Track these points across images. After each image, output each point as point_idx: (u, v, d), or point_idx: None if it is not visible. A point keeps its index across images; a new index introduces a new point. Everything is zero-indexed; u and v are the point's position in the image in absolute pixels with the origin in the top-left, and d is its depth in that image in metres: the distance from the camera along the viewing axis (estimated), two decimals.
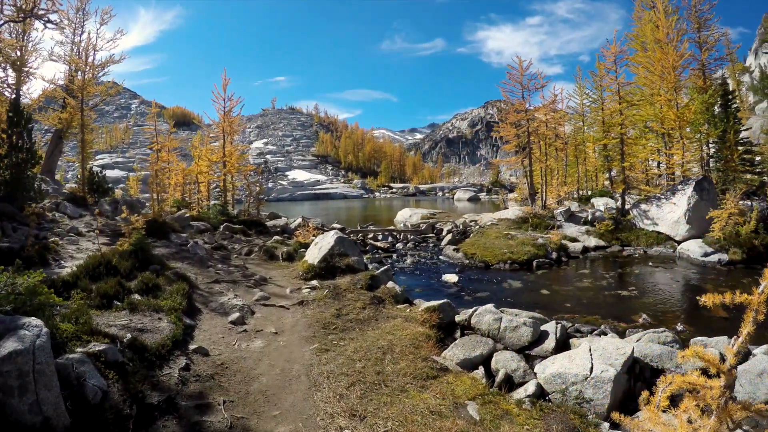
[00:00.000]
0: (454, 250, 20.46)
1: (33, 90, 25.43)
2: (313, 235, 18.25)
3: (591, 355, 7.05)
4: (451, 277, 15.93)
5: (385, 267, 13.52)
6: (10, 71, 19.90)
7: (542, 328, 9.10)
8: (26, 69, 20.48)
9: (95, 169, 25.36)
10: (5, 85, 19.56)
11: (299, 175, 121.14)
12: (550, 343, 8.59)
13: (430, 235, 25.85)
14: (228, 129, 25.19)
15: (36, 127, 19.69)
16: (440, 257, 20.39)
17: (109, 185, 25.01)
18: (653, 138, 28.23)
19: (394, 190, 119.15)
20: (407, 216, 33.20)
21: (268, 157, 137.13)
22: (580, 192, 39.20)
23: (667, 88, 26.60)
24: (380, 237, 23.98)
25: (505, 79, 28.97)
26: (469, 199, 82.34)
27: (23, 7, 16.06)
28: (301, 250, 16.17)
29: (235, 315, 9.16)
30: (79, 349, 5.91)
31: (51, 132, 27.07)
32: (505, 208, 36.19)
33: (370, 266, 14.85)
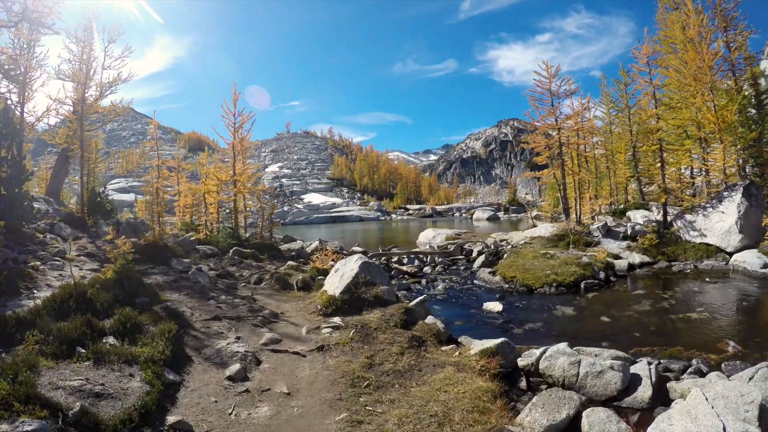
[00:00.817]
0: (490, 273, 18.14)
1: (38, 108, 23.55)
2: (333, 260, 16.08)
3: (713, 408, 4.92)
4: (494, 306, 13.59)
5: (422, 298, 11.19)
6: (12, 87, 18.33)
7: (631, 370, 7.05)
8: (29, 83, 18.90)
9: (102, 189, 23.58)
10: (10, 102, 17.95)
11: (315, 198, 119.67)
12: (644, 391, 6.58)
13: (460, 257, 23.57)
14: (239, 146, 23.29)
15: (46, 149, 17.97)
16: (474, 281, 18.08)
17: (112, 206, 23.13)
18: (690, 143, 25.86)
19: (410, 211, 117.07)
20: (430, 237, 30.94)
21: (283, 180, 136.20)
22: (612, 205, 36.78)
23: (702, 90, 24.34)
24: (405, 260, 21.77)
25: (532, 87, 26.88)
26: (489, 219, 79.85)
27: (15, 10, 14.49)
28: (319, 277, 13.98)
29: (236, 366, 6.93)
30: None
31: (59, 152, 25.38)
32: (534, 226, 33.82)
33: (399, 295, 12.62)
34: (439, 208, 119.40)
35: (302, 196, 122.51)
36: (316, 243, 23.01)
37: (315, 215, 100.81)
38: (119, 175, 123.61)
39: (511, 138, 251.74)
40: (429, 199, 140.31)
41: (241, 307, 10.76)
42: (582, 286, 16.00)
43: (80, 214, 19.85)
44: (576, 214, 27.08)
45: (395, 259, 21.05)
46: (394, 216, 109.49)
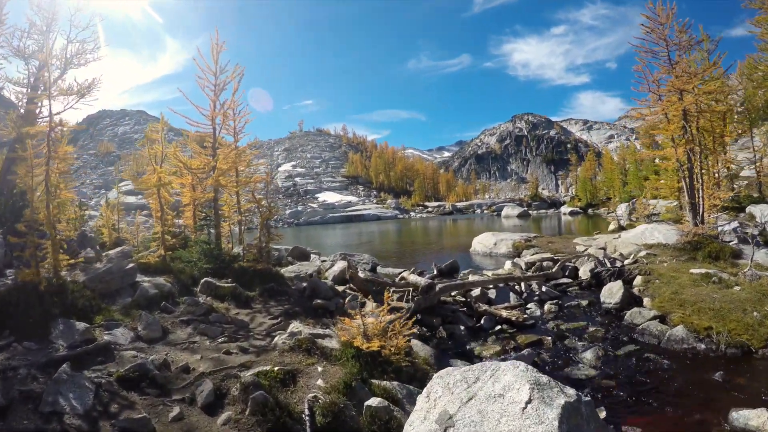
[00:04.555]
0: (653, 318, 9.87)
1: None
2: (395, 334, 7.58)
3: None
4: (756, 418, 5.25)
5: None
6: None
7: None
8: None
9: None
10: None
11: (330, 197, 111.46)
12: None
13: (565, 279, 15.22)
14: (222, 118, 15.03)
15: None
16: (633, 335, 9.87)
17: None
18: None
19: (429, 209, 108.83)
20: (490, 243, 22.57)
21: (297, 179, 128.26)
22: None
23: None
24: (490, 287, 13.36)
25: (641, 36, 18.27)
26: (519, 216, 71.13)
27: None
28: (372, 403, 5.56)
29: None
30: None
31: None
32: (621, 227, 25.24)
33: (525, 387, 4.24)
34: (459, 205, 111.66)
35: (317, 195, 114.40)
36: (340, 263, 14.51)
37: (330, 214, 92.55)
38: (127, 178, 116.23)
39: (526, 132, 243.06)
40: (447, 195, 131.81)
41: None
42: None
43: None
44: (699, 211, 18.47)
45: (476, 291, 12.59)
46: (412, 214, 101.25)
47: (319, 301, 10.58)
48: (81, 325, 7.40)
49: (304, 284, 11.89)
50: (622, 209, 51.65)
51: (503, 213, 76.60)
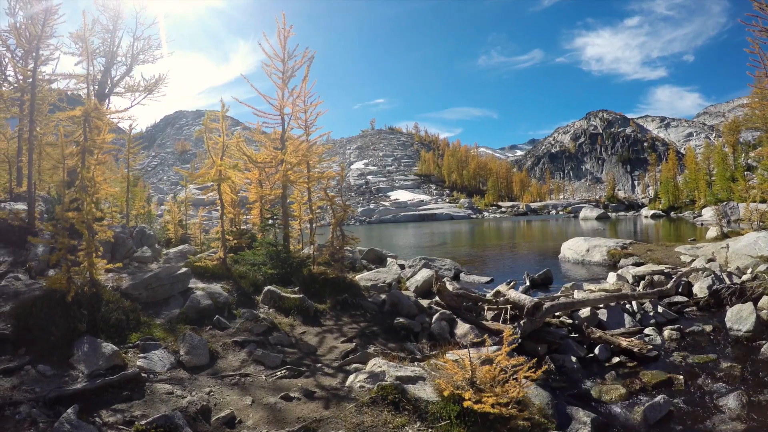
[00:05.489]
0: None
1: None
2: (507, 378, 5.51)
3: None
4: None
5: None
6: None
7: None
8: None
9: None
10: None
11: (402, 196, 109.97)
12: None
13: (679, 298, 12.57)
14: (291, 107, 13.51)
15: None
16: None
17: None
18: None
19: (503, 209, 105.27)
20: (582, 250, 19.94)
21: (369, 177, 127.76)
22: None
23: None
24: (600, 306, 10.96)
25: (753, 12, 15.19)
26: (598, 218, 66.61)
27: None
28: None
29: None
30: None
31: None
32: (724, 234, 21.76)
33: None
34: (533, 205, 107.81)
35: (389, 193, 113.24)
36: (425, 273, 12.42)
37: (402, 213, 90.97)
38: (185, 173, 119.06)
39: (601, 130, 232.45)
40: (521, 195, 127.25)
41: None
42: None
43: (17, 222, 10.82)
44: None
45: (584, 312, 10.24)
46: (486, 214, 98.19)
47: (401, 319, 8.68)
48: (108, 348, 5.88)
49: (383, 296, 10.03)
50: (710, 213, 46.75)
51: (581, 215, 72.11)
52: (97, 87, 15.66)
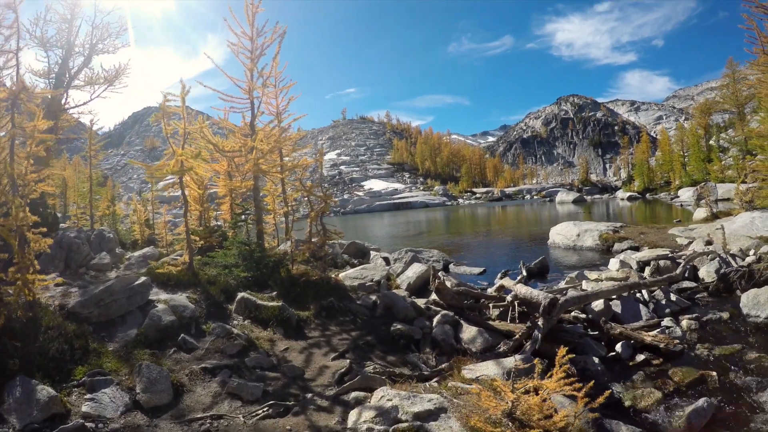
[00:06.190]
0: None
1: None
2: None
3: None
4: None
5: None
6: None
7: None
8: None
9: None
10: None
11: (376, 185, 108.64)
12: None
13: (688, 284, 11.73)
14: (261, 91, 12.16)
15: None
16: None
17: (50, 215, 12.58)
18: None
19: (477, 195, 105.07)
20: (572, 235, 19.08)
21: (342, 167, 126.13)
22: None
23: None
24: (614, 297, 9.97)
25: None
26: (574, 202, 66.52)
27: None
28: None
29: None
30: None
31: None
32: (713, 214, 21.15)
33: None
34: (507, 190, 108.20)
35: (362, 183, 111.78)
36: (417, 267, 11.21)
37: (377, 202, 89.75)
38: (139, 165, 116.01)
39: (572, 115, 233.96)
40: (494, 181, 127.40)
41: None
42: None
43: None
44: None
45: (597, 305, 9.22)
46: (460, 201, 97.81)
47: (398, 326, 7.50)
48: (44, 392, 4.61)
49: (373, 298, 8.85)
50: (687, 194, 46.80)
51: (557, 199, 71.90)
52: (54, 79, 14.19)
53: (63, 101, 14.47)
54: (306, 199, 11.43)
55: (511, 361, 6.29)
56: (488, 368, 6.05)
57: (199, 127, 9.59)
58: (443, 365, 6.42)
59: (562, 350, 4.17)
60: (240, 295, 7.93)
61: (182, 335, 6.48)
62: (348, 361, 6.24)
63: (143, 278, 7.46)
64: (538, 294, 8.19)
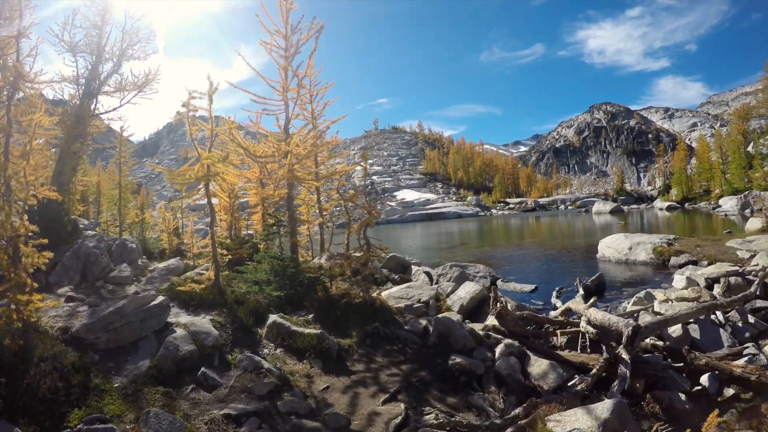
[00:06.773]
0: None
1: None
2: None
3: None
4: None
5: None
6: None
7: None
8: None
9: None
10: None
11: (408, 195, 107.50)
12: None
13: (761, 303, 10.24)
14: (296, 91, 11.20)
15: None
16: None
17: (73, 223, 11.78)
18: None
19: (511, 205, 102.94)
20: (624, 248, 17.58)
21: (374, 178, 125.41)
22: None
23: None
24: (691, 321, 8.56)
25: None
26: (612, 212, 64.00)
27: None
28: None
29: None
30: None
31: None
32: None
33: None
34: (541, 201, 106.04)
35: (395, 193, 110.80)
36: (470, 287, 10.01)
37: (410, 212, 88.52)
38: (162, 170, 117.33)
39: (604, 123, 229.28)
40: (527, 191, 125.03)
41: None
42: None
43: None
44: None
45: (675, 330, 7.80)
46: (494, 211, 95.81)
47: (457, 359, 6.32)
48: None
49: (423, 323, 7.67)
50: (730, 203, 44.14)
51: (594, 209, 69.33)
52: (83, 85, 13.70)
53: (93, 107, 13.92)
54: (343, 208, 10.37)
55: (603, 409, 5.04)
56: (579, 419, 4.82)
57: (228, 129, 8.61)
58: (517, 411, 5.21)
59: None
60: (271, 318, 6.86)
61: (203, 369, 5.44)
62: (402, 405, 5.09)
63: (160, 298, 6.46)
64: (617, 321, 6.88)
